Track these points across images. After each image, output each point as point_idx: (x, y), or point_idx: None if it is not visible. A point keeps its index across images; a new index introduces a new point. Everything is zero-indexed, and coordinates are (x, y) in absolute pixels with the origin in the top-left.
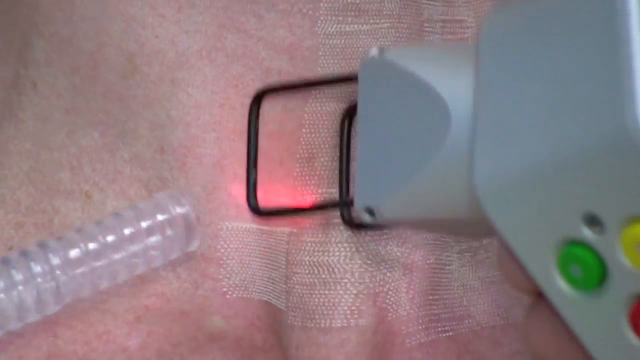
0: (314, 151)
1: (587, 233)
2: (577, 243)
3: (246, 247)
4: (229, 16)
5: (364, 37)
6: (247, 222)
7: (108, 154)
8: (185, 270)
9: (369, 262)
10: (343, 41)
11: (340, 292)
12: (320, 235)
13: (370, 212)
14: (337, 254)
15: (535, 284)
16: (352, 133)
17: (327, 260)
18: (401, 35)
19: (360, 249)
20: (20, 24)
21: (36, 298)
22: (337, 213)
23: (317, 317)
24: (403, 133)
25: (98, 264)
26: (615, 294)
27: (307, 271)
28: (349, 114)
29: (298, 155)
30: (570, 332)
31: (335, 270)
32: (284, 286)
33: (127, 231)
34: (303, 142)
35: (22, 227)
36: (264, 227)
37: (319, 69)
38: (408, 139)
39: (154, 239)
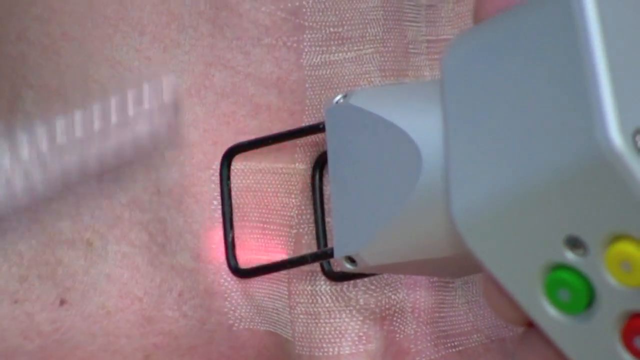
0: (289, 206)
1: (571, 256)
2: (562, 267)
3: (249, 279)
4: (215, 54)
5: (349, 64)
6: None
7: (106, 200)
8: (190, 308)
9: (372, 287)
10: (329, 71)
11: (347, 319)
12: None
13: (351, 260)
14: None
15: (525, 313)
16: (325, 182)
17: (329, 288)
18: (386, 60)
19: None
20: (8, 76)
21: (24, 179)
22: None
23: (324, 345)
24: (375, 177)
25: (85, 150)
26: (606, 314)
27: (310, 300)
28: (319, 164)
29: (275, 211)
30: (563, 358)
31: (339, 298)
32: (288, 316)
33: (112, 100)
34: (278, 197)
35: (26, 280)
36: (264, 257)
37: (307, 101)
38: (381, 182)
39: (138, 109)
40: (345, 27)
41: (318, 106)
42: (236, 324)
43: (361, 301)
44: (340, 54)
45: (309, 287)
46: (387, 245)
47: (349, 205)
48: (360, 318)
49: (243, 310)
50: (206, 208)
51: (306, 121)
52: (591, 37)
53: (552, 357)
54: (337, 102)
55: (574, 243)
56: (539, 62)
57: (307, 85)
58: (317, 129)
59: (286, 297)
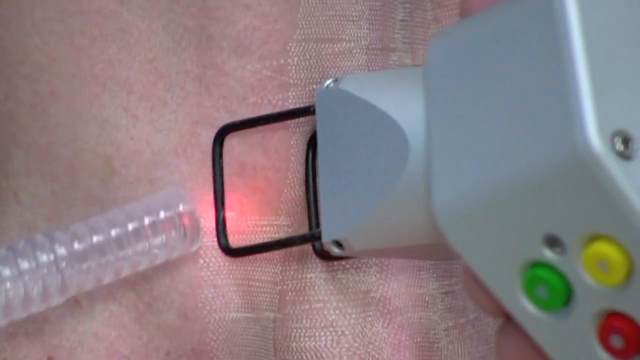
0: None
1: (549, 254)
2: (541, 264)
3: (234, 337)
4: (201, 112)
5: None
6: (233, 312)
7: None
8: None
9: (355, 344)
10: (313, 127)
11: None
12: (305, 321)
13: (339, 244)
14: (323, 338)
15: (503, 306)
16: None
17: (314, 345)
18: None
19: (347, 332)
20: None
21: (42, 288)
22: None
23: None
24: (363, 162)
25: (103, 258)
26: (582, 312)
27: (295, 357)
28: (313, 145)
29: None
30: (541, 352)
31: (324, 354)
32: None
33: (131, 227)
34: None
35: (14, 337)
36: (250, 315)
37: (292, 158)
38: (369, 168)
39: (157, 236)
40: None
41: (304, 164)
42: None
43: (345, 358)
44: None
45: (294, 344)
46: (373, 231)
47: (337, 188)
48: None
49: None
50: (192, 267)
51: (291, 178)
52: (572, 37)
53: (530, 349)
54: (327, 86)
55: (553, 242)
56: (521, 61)
57: (291, 143)
58: (307, 111)
59: (272, 354)
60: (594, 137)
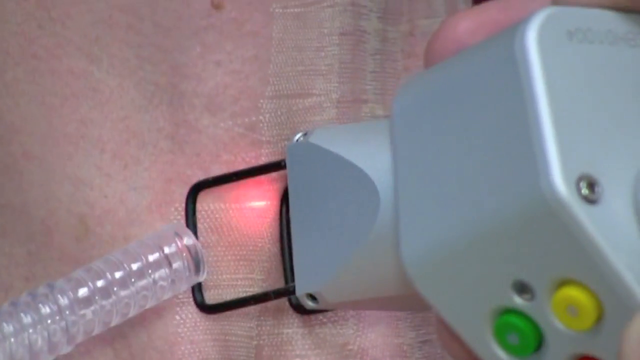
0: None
1: (519, 301)
2: (511, 311)
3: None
4: (175, 170)
5: None
6: None
7: None
8: None
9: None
10: (285, 184)
11: None
12: None
13: (312, 297)
14: None
15: (476, 355)
16: None
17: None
18: None
19: None
20: None
21: (47, 339)
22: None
23: None
24: (335, 214)
25: (107, 301)
26: (554, 357)
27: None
28: (287, 199)
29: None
30: None
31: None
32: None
33: (134, 266)
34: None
35: None
36: None
37: (266, 212)
38: (340, 220)
39: (162, 272)
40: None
41: (278, 219)
42: None
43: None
44: None
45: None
46: (347, 283)
47: (309, 242)
48: None
49: None
50: (169, 323)
51: (265, 232)
52: (535, 84)
53: None
54: (297, 140)
55: (522, 288)
56: (485, 108)
57: (265, 198)
58: (278, 165)
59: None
60: (560, 182)
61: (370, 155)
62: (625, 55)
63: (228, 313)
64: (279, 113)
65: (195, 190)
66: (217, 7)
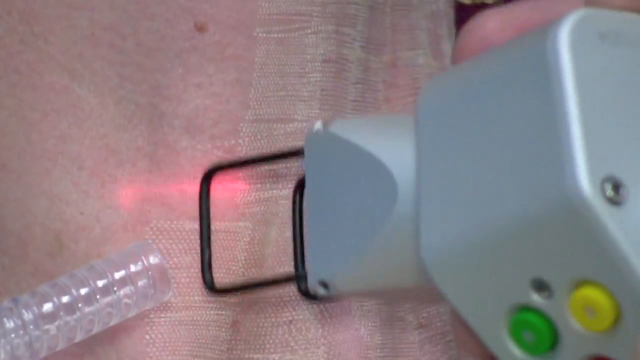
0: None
1: (537, 298)
2: (528, 308)
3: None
4: (151, 190)
5: (283, 201)
6: None
7: None
8: None
9: None
10: (262, 208)
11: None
12: None
13: (325, 285)
14: None
15: (490, 350)
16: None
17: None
18: None
19: None
20: None
21: (10, 353)
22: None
23: None
24: (351, 205)
25: (71, 317)
26: (569, 357)
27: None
28: (300, 187)
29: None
30: None
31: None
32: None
33: (100, 283)
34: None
35: None
36: None
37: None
38: (357, 210)
39: (127, 290)
40: (280, 164)
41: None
42: None
43: None
44: (275, 191)
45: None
46: (360, 273)
47: (324, 230)
48: None
49: None
50: (138, 343)
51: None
52: (564, 83)
53: None
54: (316, 131)
55: (540, 286)
56: (513, 107)
57: (240, 224)
58: (296, 153)
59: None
60: (585, 182)
61: (390, 147)
62: None
63: (198, 335)
64: (258, 137)
65: (210, 174)
66: (200, 29)
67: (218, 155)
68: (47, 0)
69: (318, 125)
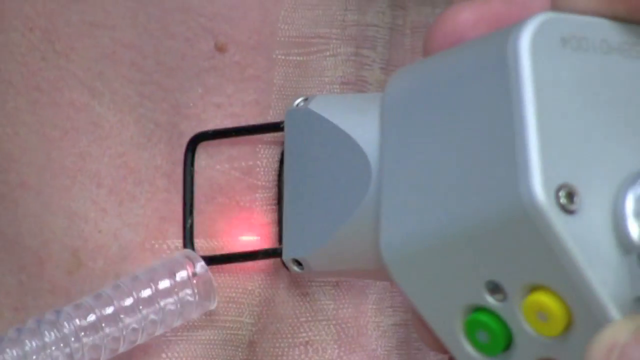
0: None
1: (491, 300)
2: (483, 309)
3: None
4: (169, 209)
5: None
6: None
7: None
8: None
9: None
10: (276, 229)
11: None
12: None
13: (298, 263)
14: None
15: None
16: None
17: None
18: None
19: None
20: None
21: None
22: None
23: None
24: (327, 184)
25: (113, 329)
26: (522, 358)
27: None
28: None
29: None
30: None
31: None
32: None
33: (144, 294)
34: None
35: None
36: None
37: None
38: (332, 190)
39: (170, 301)
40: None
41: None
42: None
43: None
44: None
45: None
46: (334, 253)
47: (300, 208)
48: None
49: None
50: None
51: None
52: (523, 90)
53: None
54: (297, 105)
55: (495, 288)
56: (473, 109)
57: (255, 239)
58: (278, 127)
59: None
60: (539, 190)
61: (367, 129)
62: (619, 66)
63: (214, 354)
64: (276, 159)
65: (194, 143)
66: (220, 49)
67: (235, 176)
68: (69, 18)
69: (299, 100)
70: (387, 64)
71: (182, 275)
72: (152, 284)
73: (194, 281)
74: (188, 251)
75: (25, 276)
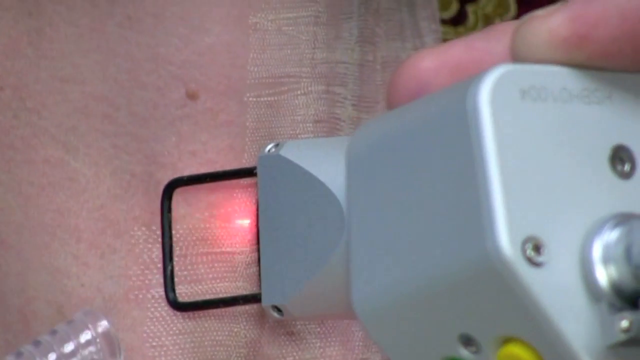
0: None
1: (465, 353)
2: None
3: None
4: (151, 258)
5: None
6: None
7: None
8: None
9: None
10: (256, 269)
11: None
12: None
13: (278, 309)
14: None
15: None
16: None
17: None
18: None
19: None
20: None
21: None
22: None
23: None
24: (302, 230)
25: None
26: None
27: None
28: None
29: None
30: None
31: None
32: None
33: (51, 357)
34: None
35: None
36: None
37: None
38: (307, 236)
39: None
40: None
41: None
42: None
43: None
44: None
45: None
46: (312, 299)
47: (277, 254)
48: None
49: None
50: None
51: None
52: (484, 144)
53: None
54: (268, 151)
55: (467, 341)
56: (436, 164)
57: (239, 284)
58: (252, 172)
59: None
60: (505, 243)
61: (339, 174)
62: (580, 113)
63: None
64: (253, 202)
65: (170, 188)
66: (192, 97)
67: (215, 223)
68: (38, 74)
69: (270, 145)
70: (359, 100)
71: (86, 336)
72: (55, 347)
73: (97, 340)
74: (89, 310)
75: (11, 335)
